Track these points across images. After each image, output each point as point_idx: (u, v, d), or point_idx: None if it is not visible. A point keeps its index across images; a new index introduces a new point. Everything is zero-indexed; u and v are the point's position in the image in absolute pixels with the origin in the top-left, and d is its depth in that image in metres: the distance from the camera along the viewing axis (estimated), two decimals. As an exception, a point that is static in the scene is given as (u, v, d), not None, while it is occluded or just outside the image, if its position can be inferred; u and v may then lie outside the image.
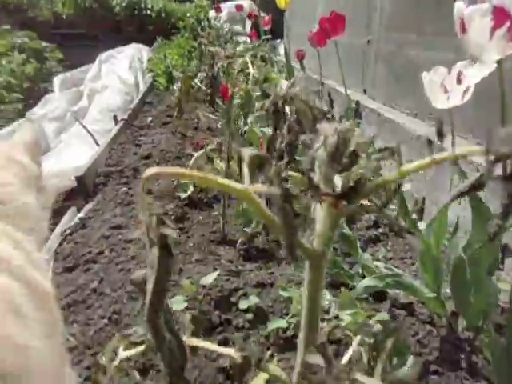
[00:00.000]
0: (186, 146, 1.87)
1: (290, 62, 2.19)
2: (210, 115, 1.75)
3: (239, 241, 1.17)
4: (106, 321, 0.89)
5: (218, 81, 0.91)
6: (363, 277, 0.99)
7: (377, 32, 1.76)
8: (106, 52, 4.34)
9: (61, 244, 1.24)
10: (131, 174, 1.59)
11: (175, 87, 2.40)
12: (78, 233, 1.25)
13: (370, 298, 0.96)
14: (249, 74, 0.78)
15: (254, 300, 0.89)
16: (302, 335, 0.35)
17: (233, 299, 0.92)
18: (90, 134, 2.10)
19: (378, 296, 0.96)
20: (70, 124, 2.96)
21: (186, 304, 0.83)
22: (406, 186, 1.25)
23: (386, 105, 1.66)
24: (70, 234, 1.27)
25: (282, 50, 3.88)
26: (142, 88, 3.55)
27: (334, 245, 1.16)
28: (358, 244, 0.94)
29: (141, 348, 0.42)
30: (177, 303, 0.81)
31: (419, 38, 1.49)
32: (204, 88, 1.01)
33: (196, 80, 1.00)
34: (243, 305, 0.87)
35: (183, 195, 1.18)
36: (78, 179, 1.50)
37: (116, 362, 0.42)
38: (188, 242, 1.23)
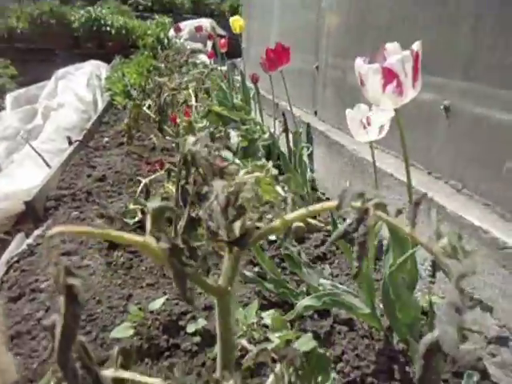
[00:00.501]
0: (143, 168, 1.88)
1: (245, 84, 2.26)
2: (166, 137, 1.77)
3: (191, 263, 1.19)
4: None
5: (165, 110, 0.94)
6: (308, 295, 1.04)
7: (324, 58, 1.87)
8: (62, 68, 4.26)
9: (7, 272, 1.21)
10: (84, 197, 1.57)
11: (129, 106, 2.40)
12: (26, 260, 1.23)
13: (316, 316, 1.01)
14: (192, 105, 0.82)
15: (201, 323, 0.91)
16: (218, 360, 0.39)
17: (181, 323, 0.93)
18: (39, 154, 2.05)
19: (324, 313, 1.01)
20: (23, 143, 2.86)
21: (131, 331, 0.84)
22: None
23: (335, 127, 1.76)
24: (17, 261, 1.23)
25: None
26: (101, 106, 3.51)
27: (282, 264, 1.21)
28: (302, 262, 0.99)
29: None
30: (122, 331, 0.81)
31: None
32: (153, 116, 1.03)
33: (146, 106, 1.02)
34: (191, 328, 0.89)
35: (131, 221, 1.19)
36: (28, 204, 1.47)
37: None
38: (140, 266, 1.23)
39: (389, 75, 0.51)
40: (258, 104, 2.03)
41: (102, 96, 3.87)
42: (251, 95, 2.29)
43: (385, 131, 0.66)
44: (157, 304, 0.90)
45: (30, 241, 1.33)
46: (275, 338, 0.64)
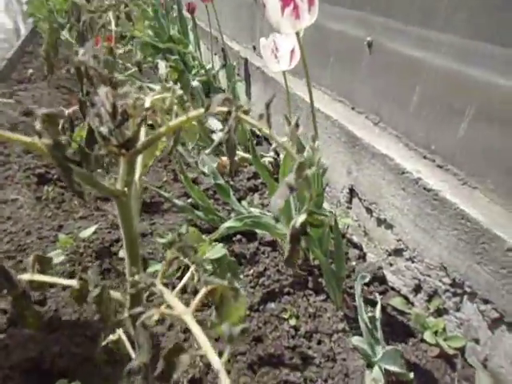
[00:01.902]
0: (73, 102, 1.78)
1: (182, 14, 2.14)
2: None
3: (125, 196, 1.21)
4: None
5: (84, 35, 0.89)
6: (237, 221, 1.11)
7: (263, -11, 1.81)
8: (-27, -12, 3.71)
9: None
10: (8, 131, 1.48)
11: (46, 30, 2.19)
12: None
13: (244, 239, 1.10)
14: (111, 30, 0.79)
15: (134, 248, 0.96)
16: (126, 258, 0.44)
17: (114, 249, 0.97)
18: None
19: (251, 237, 1.10)
20: None
21: (62, 257, 0.87)
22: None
23: (272, 63, 1.76)
24: None
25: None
26: (24, 34, 3.16)
27: (215, 195, 1.26)
28: (231, 192, 1.05)
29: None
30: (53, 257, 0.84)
31: None
32: (73, 41, 0.97)
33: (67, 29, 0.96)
34: (123, 253, 0.94)
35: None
36: None
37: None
38: (73, 200, 1.23)
39: (286, -2, 0.54)
40: (195, 36, 1.95)
41: (26, 24, 3.48)
42: (189, 27, 2.18)
43: (295, 62, 0.69)
44: (88, 232, 0.93)
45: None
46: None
